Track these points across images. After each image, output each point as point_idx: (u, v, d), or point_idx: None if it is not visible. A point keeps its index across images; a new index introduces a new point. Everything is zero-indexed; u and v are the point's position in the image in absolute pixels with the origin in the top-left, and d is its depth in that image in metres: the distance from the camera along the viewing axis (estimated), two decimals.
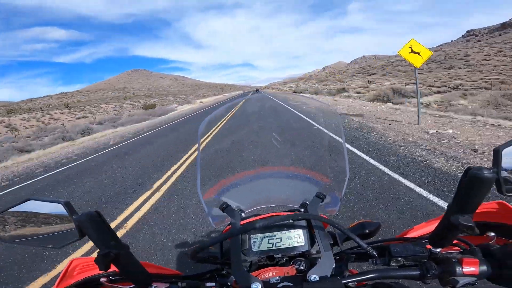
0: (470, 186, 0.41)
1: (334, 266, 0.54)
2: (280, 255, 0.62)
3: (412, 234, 0.63)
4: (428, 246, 0.52)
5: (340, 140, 0.86)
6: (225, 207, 0.74)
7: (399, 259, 0.52)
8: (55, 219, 0.51)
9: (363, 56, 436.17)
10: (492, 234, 0.52)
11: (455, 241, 0.53)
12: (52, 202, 0.49)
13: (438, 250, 0.51)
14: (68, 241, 0.50)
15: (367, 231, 0.66)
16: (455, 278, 0.46)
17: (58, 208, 0.48)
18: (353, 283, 0.50)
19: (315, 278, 0.50)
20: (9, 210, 0.52)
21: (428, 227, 0.63)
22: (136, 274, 0.52)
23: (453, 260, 0.48)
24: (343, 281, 0.48)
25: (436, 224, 0.50)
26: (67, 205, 0.48)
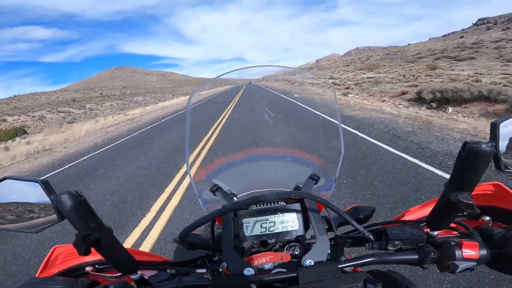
0: (468, 160, 0.40)
1: (329, 251, 0.54)
2: (273, 240, 0.61)
3: (409, 217, 0.62)
4: (426, 230, 0.51)
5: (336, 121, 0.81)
6: (216, 189, 0.72)
7: (396, 242, 0.51)
8: (32, 200, 0.48)
9: (357, 48, 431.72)
10: (487, 218, 0.51)
11: (452, 225, 0.52)
12: (29, 181, 0.46)
13: (436, 233, 0.50)
14: (46, 224, 0.47)
15: (361, 216, 0.64)
16: (454, 262, 0.46)
17: (36, 188, 0.45)
18: (349, 268, 0.49)
19: (310, 263, 0.50)
20: None
21: (425, 210, 0.61)
22: (120, 259, 0.49)
23: (452, 243, 0.47)
24: (339, 266, 0.48)
25: (433, 206, 0.50)
26: (44, 184, 0.45)
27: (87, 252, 0.43)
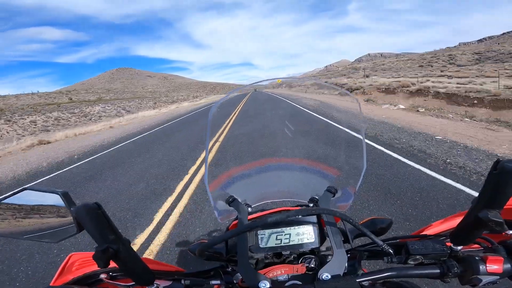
0: (500, 179, 0.39)
1: (346, 265, 0.54)
2: (288, 252, 0.62)
3: (430, 231, 0.61)
4: (449, 244, 0.51)
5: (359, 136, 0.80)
6: (232, 201, 0.73)
7: (418, 256, 0.51)
8: (53, 211, 0.49)
9: (368, 54, 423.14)
10: (511, 232, 0.51)
11: (477, 239, 0.51)
12: (49, 192, 0.48)
13: (460, 247, 0.50)
14: (65, 235, 0.49)
15: (378, 228, 0.64)
16: (477, 276, 0.46)
17: (55, 199, 0.47)
18: (367, 282, 0.49)
19: (327, 276, 0.50)
20: (3, 201, 0.49)
21: (446, 224, 0.61)
22: (137, 271, 0.49)
23: (476, 258, 0.48)
24: (357, 280, 0.47)
25: (455, 220, 0.50)
26: (64, 195, 0.46)
27: (106, 265, 0.44)
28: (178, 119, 15.99)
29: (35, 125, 25.88)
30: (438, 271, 0.49)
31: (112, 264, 0.45)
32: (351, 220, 0.55)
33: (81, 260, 0.64)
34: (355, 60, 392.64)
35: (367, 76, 23.52)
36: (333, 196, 0.74)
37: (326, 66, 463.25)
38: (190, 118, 16.04)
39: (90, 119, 32.66)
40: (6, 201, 0.49)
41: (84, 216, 0.43)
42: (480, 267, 0.46)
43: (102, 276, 0.57)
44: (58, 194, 0.46)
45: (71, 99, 61.07)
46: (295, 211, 0.56)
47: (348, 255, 0.59)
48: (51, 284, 0.57)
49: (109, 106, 42.43)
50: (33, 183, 5.67)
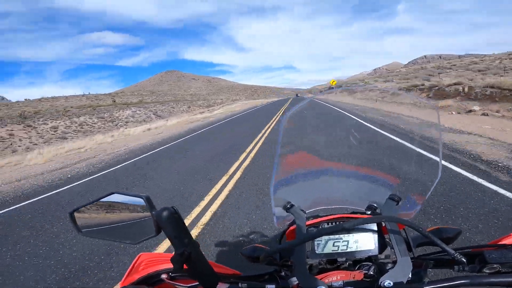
0: None
1: (410, 273, 0.53)
2: (343, 259, 0.61)
3: (506, 241, 0.60)
4: None
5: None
6: (289, 207, 0.73)
7: (495, 265, 0.49)
8: (135, 213, 0.53)
9: (425, 56, 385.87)
10: None
11: None
12: (134, 196, 0.51)
13: None
14: (144, 237, 0.52)
15: (445, 237, 0.62)
16: None
17: (139, 203, 0.51)
18: None
19: (389, 283, 0.48)
20: (95, 202, 0.55)
21: None
22: (205, 274, 0.52)
23: None
24: (424, 287, 0.47)
25: None
26: (147, 199, 0.49)
27: (181, 268, 0.47)
28: (195, 133, 13.73)
29: (55, 131, 25.41)
30: None
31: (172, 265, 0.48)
32: (420, 229, 0.53)
33: (148, 260, 0.67)
34: (409, 62, 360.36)
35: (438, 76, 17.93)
36: (397, 204, 0.72)
37: (375, 69, 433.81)
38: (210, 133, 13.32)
39: (116, 125, 31.90)
40: (97, 202, 0.55)
41: (164, 219, 0.46)
42: None
43: (163, 276, 0.60)
44: (142, 198, 0.50)
45: (114, 101, 63.74)
46: (364, 218, 0.56)
47: (412, 263, 0.56)
48: (120, 283, 0.62)
49: (140, 110, 42.02)
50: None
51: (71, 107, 50.34)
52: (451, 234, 0.62)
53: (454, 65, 31.12)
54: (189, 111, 46.57)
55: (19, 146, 21.74)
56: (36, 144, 21.90)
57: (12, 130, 23.93)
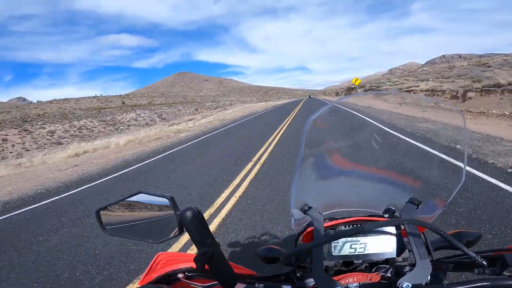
0: None
1: (429, 276, 0.53)
2: (360, 261, 0.61)
3: None
4: None
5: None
6: (307, 209, 0.73)
7: None
8: (160, 213, 0.54)
9: (443, 56, 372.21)
10: None
11: None
12: (159, 196, 0.52)
13: None
14: (167, 236, 0.52)
15: (465, 241, 0.61)
16: None
17: (163, 203, 0.52)
18: None
19: (408, 286, 0.48)
20: (122, 201, 0.55)
21: None
22: (225, 274, 0.52)
23: None
24: None
25: None
26: (172, 200, 0.50)
27: (203, 267, 0.47)
28: (184, 145, 10.11)
29: (52, 135, 24.46)
30: None
31: (189, 264, 0.49)
32: (442, 232, 0.53)
33: (166, 259, 0.67)
34: (427, 62, 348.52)
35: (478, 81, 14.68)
36: (417, 208, 0.72)
37: (390, 70, 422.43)
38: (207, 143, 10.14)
39: (117, 129, 30.86)
40: (124, 201, 0.55)
41: (188, 220, 0.47)
42: None
43: (180, 275, 0.61)
44: (167, 198, 0.50)
45: (123, 103, 63.61)
46: (385, 221, 0.56)
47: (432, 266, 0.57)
48: (139, 282, 0.62)
49: (145, 113, 41.03)
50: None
51: (79, 109, 50.24)
52: (471, 238, 0.61)
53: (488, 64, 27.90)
54: (197, 113, 45.12)
55: (10, 152, 20.76)
56: (28, 150, 20.84)
57: (7, 135, 23.10)
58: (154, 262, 0.69)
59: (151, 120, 38.39)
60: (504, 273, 0.50)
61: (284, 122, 13.99)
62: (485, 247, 2.18)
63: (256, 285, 0.59)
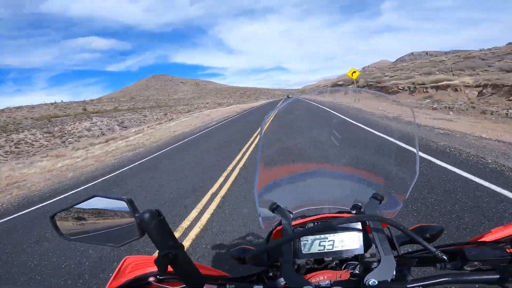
0: None
1: (394, 271, 0.54)
2: (330, 259, 0.62)
3: (488, 238, 0.60)
4: (509, 250, 0.51)
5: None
6: (275, 208, 0.74)
7: (475, 263, 0.50)
8: (118, 216, 0.53)
9: (411, 53, 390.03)
10: None
11: None
12: (116, 199, 0.51)
13: None
14: (128, 239, 0.51)
15: (428, 235, 0.62)
16: None
17: (121, 206, 0.51)
18: (418, 287, 0.48)
19: (374, 282, 0.49)
20: (75, 206, 0.54)
21: (506, 231, 0.60)
22: (191, 275, 0.52)
23: None
24: (407, 286, 0.47)
25: None
26: (130, 202, 0.49)
27: (166, 270, 0.47)
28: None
29: None
30: (498, 276, 0.48)
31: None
32: (402, 227, 0.54)
33: (134, 263, 0.66)
34: (397, 59, 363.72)
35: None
36: (380, 203, 0.72)
37: (363, 68, 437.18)
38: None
39: (64, 142, 26.96)
40: (77, 206, 0.54)
41: (147, 222, 0.46)
42: None
43: (151, 279, 0.60)
44: (124, 201, 0.49)
45: (85, 109, 58.24)
46: (347, 218, 0.57)
47: (396, 262, 0.57)
48: (107, 287, 0.60)
49: (102, 121, 36.96)
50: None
51: (31, 118, 44.89)
52: (433, 231, 0.62)
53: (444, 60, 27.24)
54: (162, 119, 41.50)
55: None
56: None
57: None
58: (122, 266, 0.67)
59: (109, 129, 34.52)
60: (465, 267, 0.50)
61: (242, 151, 7.14)
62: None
63: (227, 286, 0.59)
